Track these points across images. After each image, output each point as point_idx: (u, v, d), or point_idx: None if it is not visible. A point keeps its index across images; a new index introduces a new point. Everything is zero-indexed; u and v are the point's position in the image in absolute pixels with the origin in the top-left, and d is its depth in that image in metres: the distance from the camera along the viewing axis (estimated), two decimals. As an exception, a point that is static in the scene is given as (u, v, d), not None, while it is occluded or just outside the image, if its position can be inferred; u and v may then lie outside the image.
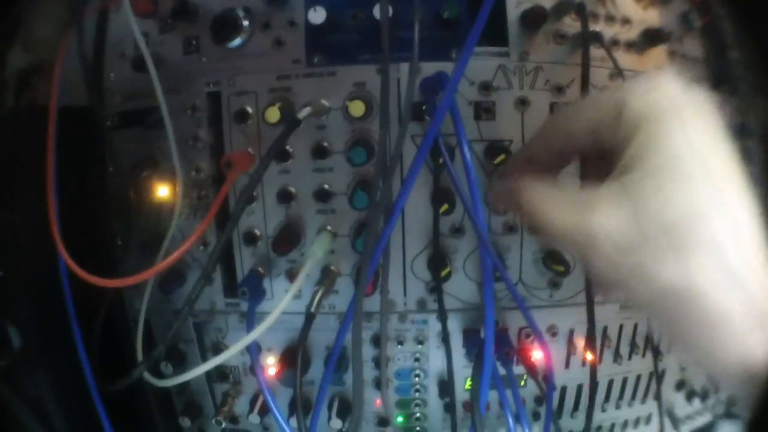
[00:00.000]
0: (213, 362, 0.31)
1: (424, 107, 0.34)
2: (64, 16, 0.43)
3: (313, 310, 0.33)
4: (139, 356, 0.35)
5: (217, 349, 0.38)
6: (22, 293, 0.38)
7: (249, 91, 0.36)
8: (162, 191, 0.36)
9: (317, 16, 0.34)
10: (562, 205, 0.23)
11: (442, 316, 0.35)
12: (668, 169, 0.20)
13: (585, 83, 0.35)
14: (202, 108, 0.36)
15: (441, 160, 0.33)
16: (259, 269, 0.36)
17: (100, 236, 0.39)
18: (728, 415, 0.48)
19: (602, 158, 0.24)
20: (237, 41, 0.35)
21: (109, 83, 0.40)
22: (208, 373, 0.38)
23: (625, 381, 0.41)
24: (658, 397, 0.42)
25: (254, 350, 0.33)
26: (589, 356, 0.37)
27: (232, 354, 0.31)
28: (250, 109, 0.35)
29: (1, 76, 0.41)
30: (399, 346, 0.36)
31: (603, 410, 0.41)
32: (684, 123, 0.20)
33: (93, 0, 0.39)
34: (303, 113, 0.32)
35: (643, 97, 0.21)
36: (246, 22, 0.36)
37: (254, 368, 0.32)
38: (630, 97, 0.22)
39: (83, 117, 0.37)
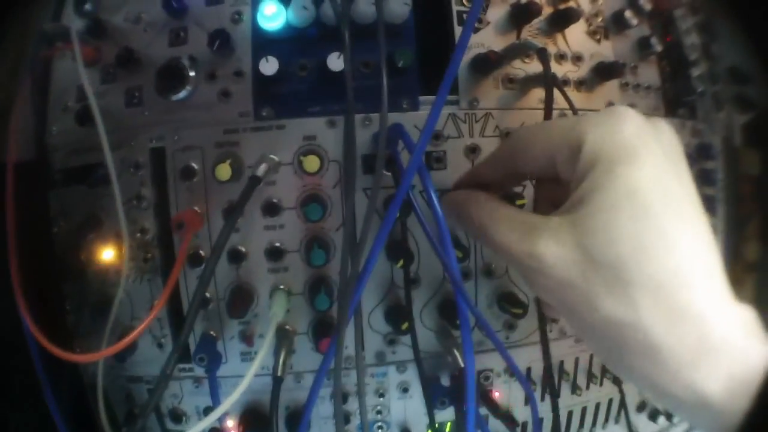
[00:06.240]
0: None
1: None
2: (12, 63, 0.41)
3: (279, 373, 0.32)
4: (105, 424, 0.35)
5: (175, 415, 0.37)
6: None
7: (195, 146, 0.34)
8: (107, 254, 0.35)
9: (269, 67, 0.33)
10: (510, 225, 0.23)
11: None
12: (618, 207, 0.20)
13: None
14: (145, 165, 0.35)
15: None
16: (211, 332, 0.35)
17: (50, 300, 0.38)
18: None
19: (556, 183, 0.24)
20: (182, 93, 0.34)
21: (51, 138, 0.38)
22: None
23: (584, 410, 0.42)
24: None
25: (222, 420, 0.32)
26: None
27: (209, 424, 0.30)
28: (196, 166, 0.34)
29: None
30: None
31: (565, 441, 0.42)
32: (637, 164, 0.20)
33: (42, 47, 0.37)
34: (261, 170, 0.31)
35: (600, 136, 0.22)
36: (192, 73, 0.34)
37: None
38: (587, 136, 0.22)
39: (23, 174, 0.36)
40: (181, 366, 0.36)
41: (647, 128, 0.22)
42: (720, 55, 0.50)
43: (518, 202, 0.35)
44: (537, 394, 0.39)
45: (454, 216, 0.28)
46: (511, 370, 0.38)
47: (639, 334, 0.19)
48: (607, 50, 0.41)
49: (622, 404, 0.43)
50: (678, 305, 0.19)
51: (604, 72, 0.39)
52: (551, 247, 0.21)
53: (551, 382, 0.38)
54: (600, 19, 0.41)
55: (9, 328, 0.35)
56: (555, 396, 0.37)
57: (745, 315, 0.19)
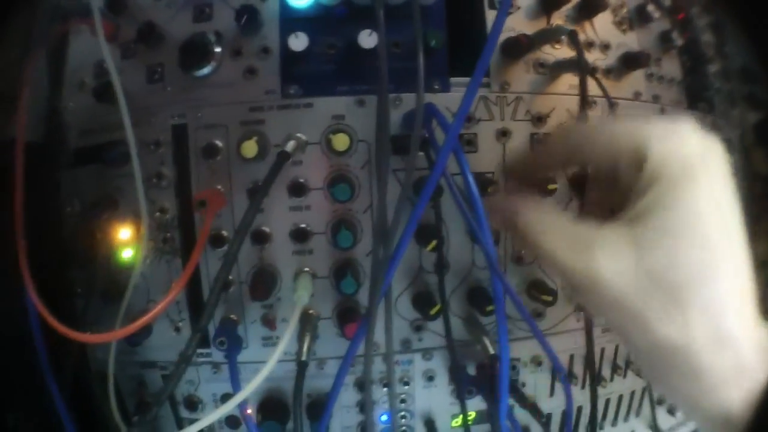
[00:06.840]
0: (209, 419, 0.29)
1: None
2: (23, 43, 0.40)
3: (304, 358, 0.31)
4: (114, 413, 0.33)
5: (191, 402, 0.35)
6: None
7: (218, 123, 0.33)
8: (124, 234, 0.34)
9: (299, 42, 0.32)
10: (563, 237, 0.22)
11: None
12: (681, 232, 0.20)
13: (583, 112, 0.34)
14: (166, 142, 0.34)
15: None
16: (232, 316, 0.33)
17: (58, 283, 0.36)
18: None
19: (612, 184, 0.23)
20: (206, 69, 0.33)
21: (66, 116, 0.36)
22: (180, 427, 0.36)
23: (608, 402, 0.42)
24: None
25: (243, 407, 0.31)
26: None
27: (228, 410, 0.29)
28: (219, 144, 0.33)
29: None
30: (385, 389, 0.35)
31: (588, 433, 0.41)
32: (704, 186, 0.21)
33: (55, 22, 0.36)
34: (290, 147, 0.30)
35: (665, 151, 0.21)
36: (217, 48, 0.33)
37: (247, 424, 0.30)
38: (654, 144, 0.21)
39: (36, 153, 0.34)
40: (199, 351, 0.34)
41: (708, 147, 0.22)
42: (732, 54, 0.50)
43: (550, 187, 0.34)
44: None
45: (499, 221, 0.27)
46: (540, 360, 0.38)
47: (689, 357, 0.19)
48: (632, 41, 0.41)
49: (650, 397, 0.42)
50: (724, 331, 0.19)
51: (630, 61, 0.39)
52: (609, 263, 0.20)
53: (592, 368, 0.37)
54: (625, 10, 0.41)
55: (12, 318, 0.34)
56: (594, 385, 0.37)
57: (766, 335, 0.20)
